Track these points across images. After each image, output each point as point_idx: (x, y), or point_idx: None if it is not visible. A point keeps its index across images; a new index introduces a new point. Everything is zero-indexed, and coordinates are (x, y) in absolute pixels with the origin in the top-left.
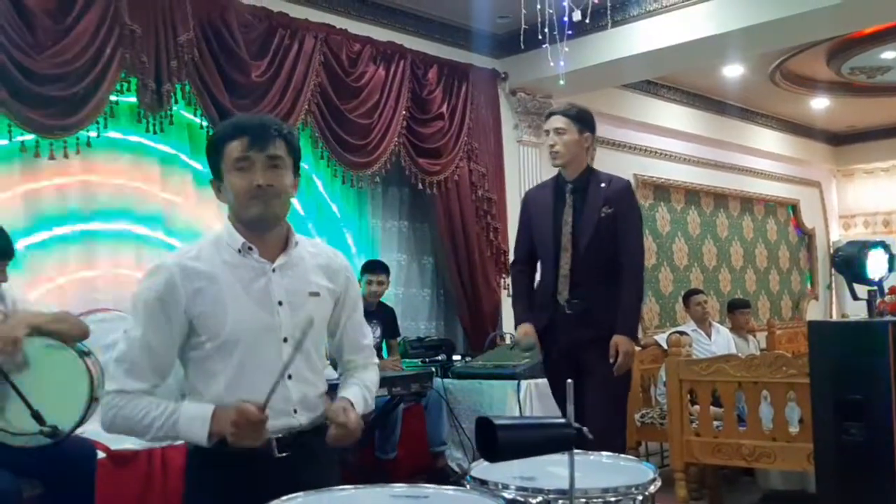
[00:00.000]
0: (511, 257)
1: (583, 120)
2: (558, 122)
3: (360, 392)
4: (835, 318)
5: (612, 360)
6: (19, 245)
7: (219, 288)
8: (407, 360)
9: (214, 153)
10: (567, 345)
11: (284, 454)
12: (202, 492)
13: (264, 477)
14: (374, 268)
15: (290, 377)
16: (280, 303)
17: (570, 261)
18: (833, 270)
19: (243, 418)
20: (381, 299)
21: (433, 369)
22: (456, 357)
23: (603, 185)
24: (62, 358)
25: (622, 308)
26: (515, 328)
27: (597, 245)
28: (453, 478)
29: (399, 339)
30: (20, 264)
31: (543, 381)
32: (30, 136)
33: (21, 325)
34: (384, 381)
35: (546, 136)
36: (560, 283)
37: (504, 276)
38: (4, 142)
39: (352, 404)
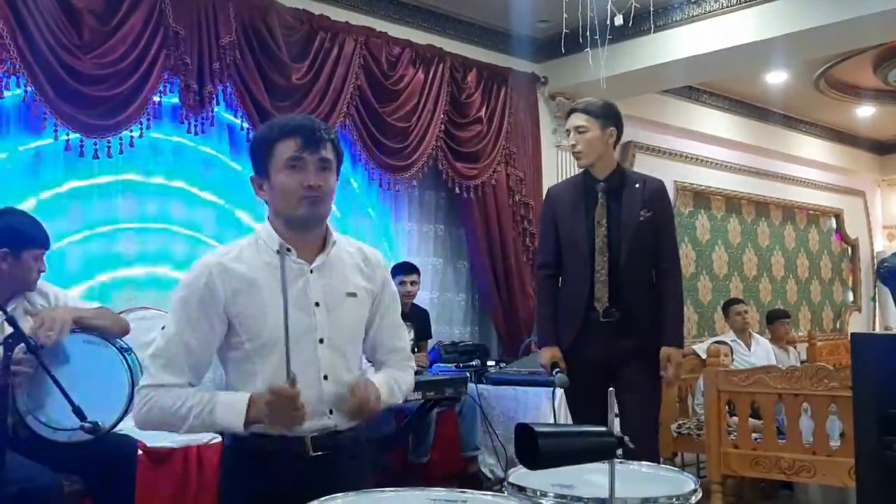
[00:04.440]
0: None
1: (605, 115)
2: (578, 119)
3: (387, 381)
4: (878, 330)
5: (662, 373)
6: (63, 242)
7: (258, 289)
8: (441, 365)
9: (263, 151)
10: (604, 356)
11: (319, 453)
12: (236, 490)
13: (298, 476)
14: (405, 269)
15: (325, 377)
16: (317, 304)
17: (607, 265)
18: (877, 282)
19: (276, 396)
20: (415, 302)
21: (467, 374)
22: (490, 363)
23: (638, 185)
24: (102, 354)
25: (670, 317)
26: (539, 346)
27: (637, 248)
28: (486, 483)
29: (431, 342)
30: (63, 261)
31: None
32: (75, 136)
33: (68, 314)
34: (418, 386)
35: (567, 135)
36: (597, 289)
37: None
38: (50, 141)
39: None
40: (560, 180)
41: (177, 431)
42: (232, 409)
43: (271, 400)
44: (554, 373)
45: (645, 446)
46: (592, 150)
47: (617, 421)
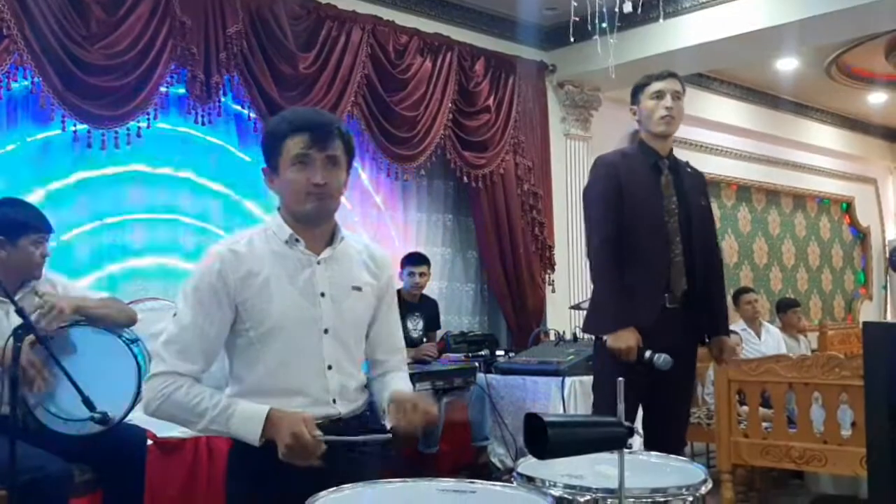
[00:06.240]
0: (551, 251)
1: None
2: (678, 85)
3: (410, 386)
4: (890, 319)
5: (718, 363)
6: (71, 233)
7: (265, 277)
8: (450, 355)
9: (273, 145)
10: (666, 345)
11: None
12: (243, 477)
13: (306, 466)
14: (416, 260)
15: (330, 367)
16: (322, 294)
17: (681, 245)
18: (889, 270)
19: (298, 443)
20: (425, 292)
21: (476, 364)
22: (499, 352)
23: (689, 171)
24: (110, 345)
25: (723, 307)
26: (612, 327)
27: (702, 234)
28: (496, 474)
29: (440, 332)
30: (71, 252)
31: (588, 379)
32: (82, 127)
33: (69, 302)
34: (427, 375)
35: (653, 98)
36: (674, 271)
37: (549, 271)
38: (58, 132)
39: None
40: (569, 169)
41: (189, 428)
42: (248, 423)
43: (292, 444)
44: (647, 356)
45: (682, 442)
46: (679, 121)
47: (640, 418)
